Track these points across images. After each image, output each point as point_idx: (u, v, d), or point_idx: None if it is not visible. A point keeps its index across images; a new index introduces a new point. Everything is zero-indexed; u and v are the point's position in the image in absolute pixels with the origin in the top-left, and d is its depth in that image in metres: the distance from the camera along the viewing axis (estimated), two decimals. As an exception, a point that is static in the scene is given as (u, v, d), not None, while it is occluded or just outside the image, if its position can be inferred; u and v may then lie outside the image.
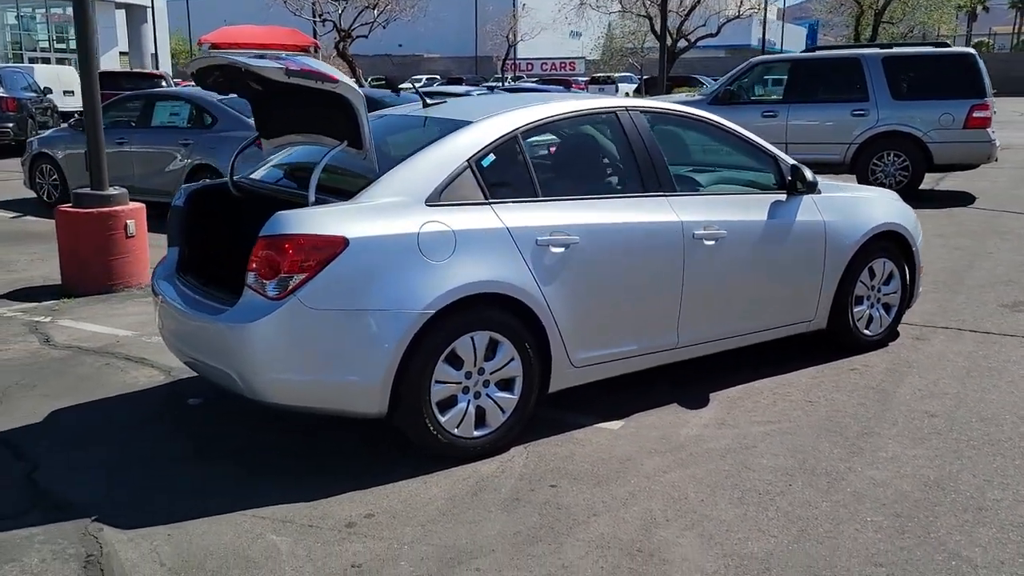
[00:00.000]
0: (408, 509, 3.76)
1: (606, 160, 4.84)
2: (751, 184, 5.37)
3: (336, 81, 3.93)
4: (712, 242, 4.83)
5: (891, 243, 5.76)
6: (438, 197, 4.12)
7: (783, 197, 5.26)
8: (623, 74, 45.47)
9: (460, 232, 4.09)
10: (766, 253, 5.10)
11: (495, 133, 4.36)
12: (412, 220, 4.02)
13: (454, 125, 4.40)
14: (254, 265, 3.86)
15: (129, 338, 6.15)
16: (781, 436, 4.48)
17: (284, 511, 3.74)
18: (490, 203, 4.24)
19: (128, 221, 7.54)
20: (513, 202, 4.30)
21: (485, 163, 4.29)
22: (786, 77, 13.24)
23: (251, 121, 10.46)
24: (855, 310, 5.67)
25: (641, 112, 4.90)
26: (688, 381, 5.22)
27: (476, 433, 4.21)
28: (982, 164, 12.61)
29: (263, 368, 3.84)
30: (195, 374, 5.16)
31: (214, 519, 3.67)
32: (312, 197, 4.01)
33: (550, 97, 5.00)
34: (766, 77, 14.14)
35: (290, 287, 3.79)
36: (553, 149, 4.54)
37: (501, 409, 4.27)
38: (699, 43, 34.73)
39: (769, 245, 5.10)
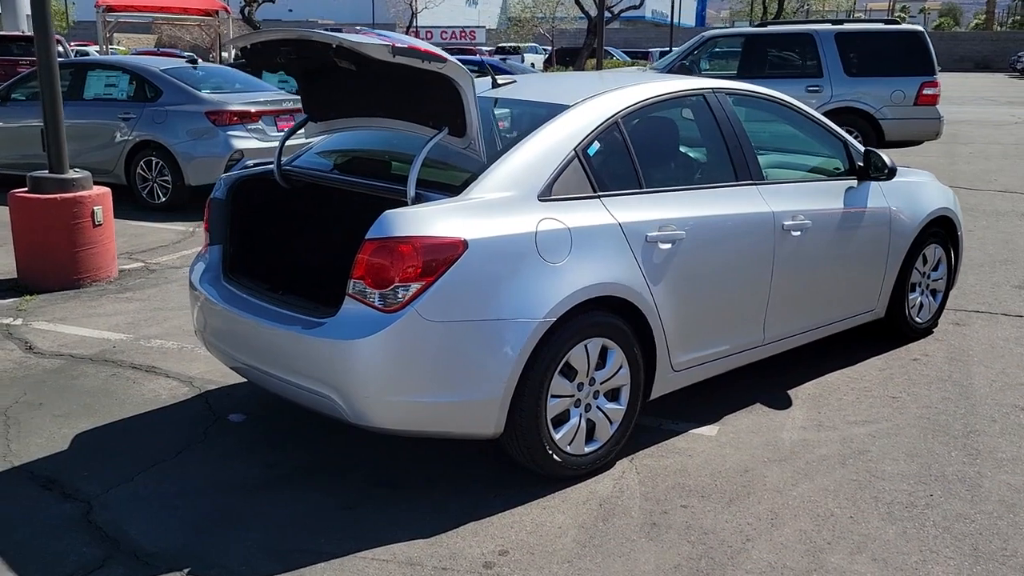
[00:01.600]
0: (541, 542, 3.37)
1: (700, 147, 4.50)
2: (814, 170, 5.13)
3: (444, 60, 3.45)
4: (798, 233, 4.57)
5: (941, 228, 5.64)
6: (549, 191, 3.70)
7: (855, 183, 5.04)
8: (530, 44, 45.03)
9: (576, 230, 3.69)
10: (842, 242, 4.88)
11: (596, 118, 3.96)
12: (528, 218, 3.60)
13: (550, 109, 3.98)
14: (360, 272, 3.37)
15: (125, 342, 5.49)
16: (888, 438, 4.27)
17: (406, 551, 3.30)
18: (599, 196, 3.85)
19: (95, 208, 6.78)
20: (620, 195, 3.93)
21: (591, 152, 3.89)
22: (740, 52, 13.14)
23: (201, 93, 9.78)
24: (909, 297, 5.52)
25: (726, 93, 4.57)
26: (757, 377, 4.96)
27: (587, 449, 3.85)
28: (927, 140, 12.83)
29: (374, 390, 3.36)
30: (223, 383, 4.62)
31: (332, 565, 3.21)
32: (412, 192, 3.53)
33: (634, 78, 4.61)
34: (719, 51, 14.03)
35: (406, 298, 3.32)
36: (641, 135, 4.16)
37: (610, 421, 3.92)
38: (621, 14, 34.60)
39: (845, 234, 4.88)
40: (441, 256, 3.35)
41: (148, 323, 5.87)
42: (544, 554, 3.30)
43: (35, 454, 4.02)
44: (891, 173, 4.99)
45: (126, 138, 9.80)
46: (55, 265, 6.66)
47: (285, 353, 3.57)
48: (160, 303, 6.34)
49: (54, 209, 6.62)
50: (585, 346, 3.72)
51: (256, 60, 4.00)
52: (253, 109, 9.79)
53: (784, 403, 4.70)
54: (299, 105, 10.55)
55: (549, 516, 3.55)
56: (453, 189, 3.61)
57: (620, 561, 3.26)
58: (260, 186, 4.37)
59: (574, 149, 3.81)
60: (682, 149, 4.51)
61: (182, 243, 8.31)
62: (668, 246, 3.97)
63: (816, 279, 4.76)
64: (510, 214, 3.56)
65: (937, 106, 12.31)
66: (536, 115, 3.98)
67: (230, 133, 9.56)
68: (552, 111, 3.96)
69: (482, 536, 3.40)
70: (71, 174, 6.80)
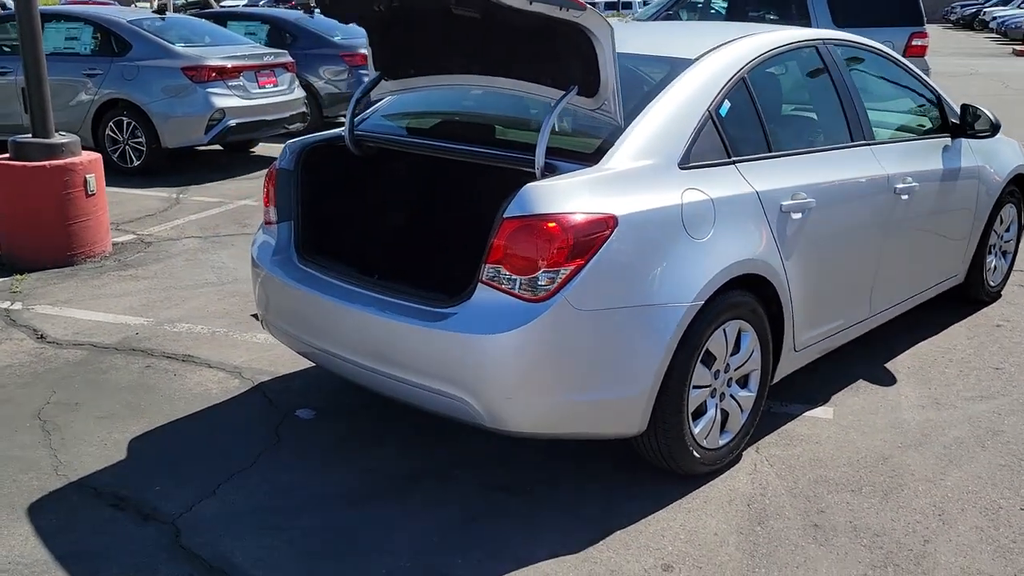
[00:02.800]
0: (704, 553, 3.02)
1: (818, 104, 4.12)
2: (904, 127, 4.80)
3: (583, 8, 2.98)
4: (907, 196, 4.25)
5: (1016, 187, 5.38)
6: (688, 158, 3.29)
7: (949, 141, 4.72)
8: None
9: (718, 202, 3.30)
10: (941, 205, 4.58)
11: (723, 74, 3.54)
12: (672, 189, 3.19)
13: (672, 65, 3.54)
14: (498, 255, 2.92)
15: (147, 328, 4.93)
16: (1016, 415, 4.02)
17: (557, 571, 2.91)
18: (734, 162, 3.46)
19: (87, 176, 6.13)
20: (752, 160, 3.54)
21: (723, 112, 3.48)
22: (726, 2, 12.77)
23: (176, 47, 9.03)
24: (986, 260, 5.27)
25: (836, 44, 4.19)
26: (848, 352, 4.66)
27: (720, 442, 3.50)
28: (913, 92, 12.67)
29: (517, 390, 2.94)
30: (275, 373, 4.15)
31: (486, 594, 2.80)
32: (542, 162, 3.08)
33: (741, 26, 4.18)
34: (704, 1, 13.62)
35: (555, 284, 2.89)
36: (765, 92, 3.75)
37: (741, 410, 3.57)
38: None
39: (944, 196, 4.58)
40: (592, 235, 2.92)
41: (165, 305, 5.31)
42: (712, 567, 2.95)
43: (91, 466, 3.51)
44: (995, 129, 4.68)
45: (92, 96, 9.02)
46: (46, 240, 6.01)
47: (402, 349, 3.11)
48: (171, 281, 5.76)
49: (43, 177, 5.95)
50: (724, 330, 3.34)
51: (336, 6, 3.47)
52: (232, 64, 9.09)
53: (888, 379, 4.40)
54: (281, 59, 10.07)
55: (699, 521, 3.19)
56: (585, 157, 3.17)
57: (799, 572, 2.92)
58: (329, 154, 3.85)
59: (707, 109, 3.40)
60: (800, 107, 4.13)
61: (169, 211, 7.66)
62: (799, 216, 3.60)
63: (917, 245, 4.46)
64: (654, 185, 3.15)
65: (926, 57, 12.15)
66: (655, 71, 3.54)
67: (210, 90, 8.86)
68: (675, 67, 3.52)
69: (636, 549, 3.03)
70: (58, 138, 6.13)
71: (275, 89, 9.54)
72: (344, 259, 3.68)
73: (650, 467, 3.48)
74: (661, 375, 3.12)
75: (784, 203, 3.53)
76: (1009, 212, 5.38)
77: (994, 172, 5.03)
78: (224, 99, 8.91)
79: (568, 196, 2.95)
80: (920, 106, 4.76)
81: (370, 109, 4.07)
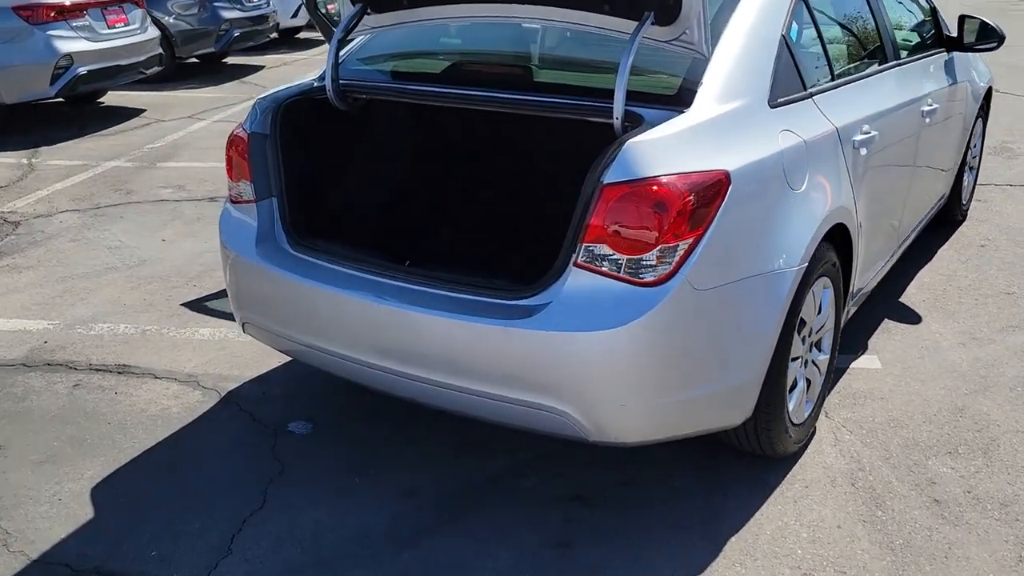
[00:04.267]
0: (841, 555, 2.63)
1: (858, 23, 3.67)
2: (914, 45, 4.45)
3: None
4: (929, 119, 3.94)
5: (985, 101, 5.22)
6: (775, 94, 2.80)
7: (946, 56, 4.44)
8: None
9: (810, 143, 2.84)
10: (945, 124, 4.31)
11: (784, -10, 3.03)
12: (770, 133, 2.70)
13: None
14: (599, 232, 2.35)
15: (55, 333, 4.04)
16: (1058, 345, 3.84)
17: (695, 602, 2.45)
18: (810, 95, 2.99)
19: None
20: (822, 92, 3.08)
21: (793, 35, 2.98)
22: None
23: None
24: (964, 176, 5.11)
25: (860, -45, 3.76)
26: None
27: (804, 415, 3.10)
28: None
29: (635, 395, 2.40)
30: (239, 376, 3.45)
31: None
32: (622, 109, 2.50)
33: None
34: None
35: (674, 262, 2.34)
36: (821, 10, 3.27)
37: (819, 374, 3.18)
38: None
39: (947, 114, 4.32)
40: (709, 198, 2.39)
41: (67, 301, 4.39)
42: (856, 569, 2.56)
43: (51, 533, 2.73)
44: (1001, 41, 4.40)
45: None
46: None
47: (473, 354, 2.49)
48: (63, 270, 4.81)
49: None
50: (812, 291, 2.91)
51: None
52: (71, 1, 7.80)
53: (912, 316, 4.15)
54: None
55: (813, 513, 2.80)
56: (667, 101, 2.62)
57: (952, 565, 2.58)
58: (310, 111, 3.11)
59: (781, 34, 2.89)
60: (848, 26, 3.67)
61: (26, 182, 6.51)
62: (864, 151, 3.20)
63: (928, 168, 4.18)
64: (751, 130, 2.64)
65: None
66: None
67: (51, 33, 7.58)
68: (731, -16, 2.97)
69: (763, 559, 2.60)
70: None
71: (127, 28, 8.30)
72: (351, 242, 2.99)
73: (722, 454, 3.05)
74: (771, 352, 2.66)
75: (855, 138, 3.11)
76: (978, 127, 5.21)
77: (978, 86, 4.82)
78: (70, 43, 7.66)
79: (677, 152, 2.40)
80: (921, 21, 4.43)
81: (351, 52, 3.33)
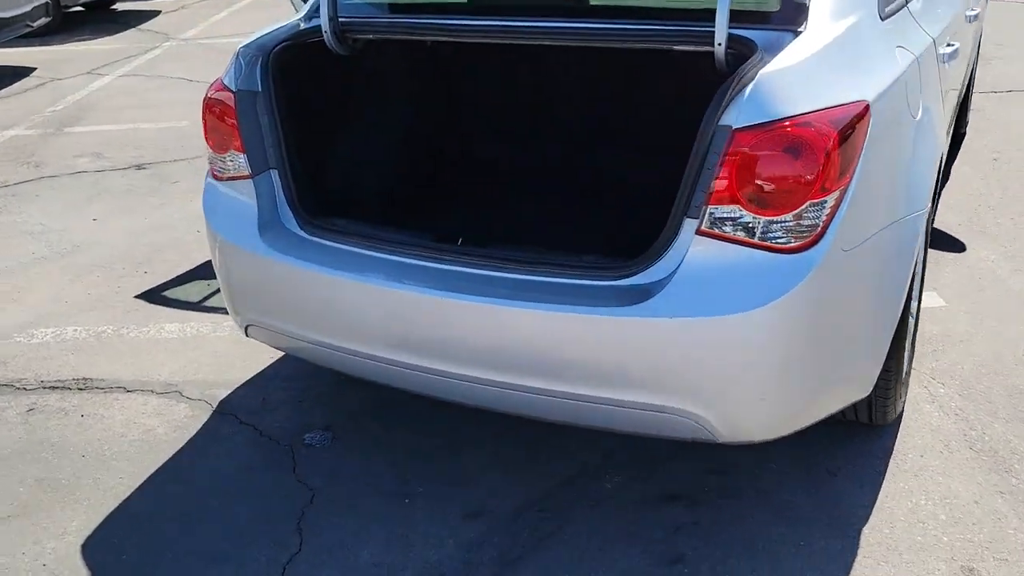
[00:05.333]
0: (992, 537, 2.29)
1: None
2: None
3: None
4: (970, 24, 3.56)
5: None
6: (882, 2, 2.34)
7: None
8: None
9: (920, 60, 2.41)
10: (975, 28, 3.95)
11: None
12: (888, 51, 2.27)
13: None
14: (733, 189, 1.88)
15: (-9, 344, 3.39)
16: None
17: (855, 618, 2.07)
18: (905, 2, 2.55)
19: None
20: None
21: (881, -66, 2.52)
22: None
23: None
24: (970, 91, 4.80)
25: None
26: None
27: (904, 371, 2.73)
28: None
29: (778, 385, 1.97)
30: (226, 380, 2.93)
31: None
32: (725, 32, 2.02)
33: None
34: None
35: (824, 219, 1.90)
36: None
37: (913, 321, 2.81)
38: None
39: (979, 19, 3.95)
40: (852, 136, 1.94)
41: (-5, 302, 3.72)
42: (1019, 554, 2.22)
43: (54, 617, 2.18)
44: None
45: None
46: None
47: (570, 353, 2.01)
48: (-20, 263, 4.10)
49: None
50: (917, 232, 2.52)
51: None
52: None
53: (955, 244, 3.84)
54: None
55: (944, 488, 2.45)
56: (769, 18, 2.14)
57: (1121, 536, 2.26)
58: (304, 60, 2.53)
59: (873, -69, 2.42)
60: None
61: (-88, 159, 5.64)
62: (947, 67, 2.80)
63: (962, 79, 3.82)
64: (872, 48, 2.21)
65: None
66: None
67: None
68: None
69: (910, 553, 2.25)
70: None
71: (6, -24, 7.31)
72: (377, 219, 2.46)
73: (809, 427, 2.66)
74: (901, 311, 2.26)
75: (942, 51, 2.71)
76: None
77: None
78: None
79: (812, 82, 1.94)
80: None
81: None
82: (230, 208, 2.44)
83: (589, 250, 2.15)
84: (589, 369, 2.01)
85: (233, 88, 2.39)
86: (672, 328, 1.90)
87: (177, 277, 3.86)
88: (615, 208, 2.84)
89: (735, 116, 1.86)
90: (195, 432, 2.83)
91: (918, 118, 2.30)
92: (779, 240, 1.88)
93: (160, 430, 2.84)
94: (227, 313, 3.45)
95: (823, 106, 1.89)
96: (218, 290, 3.68)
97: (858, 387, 2.24)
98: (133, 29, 9.54)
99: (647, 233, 2.11)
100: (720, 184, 1.87)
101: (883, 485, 2.46)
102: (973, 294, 3.41)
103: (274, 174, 2.41)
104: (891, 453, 2.58)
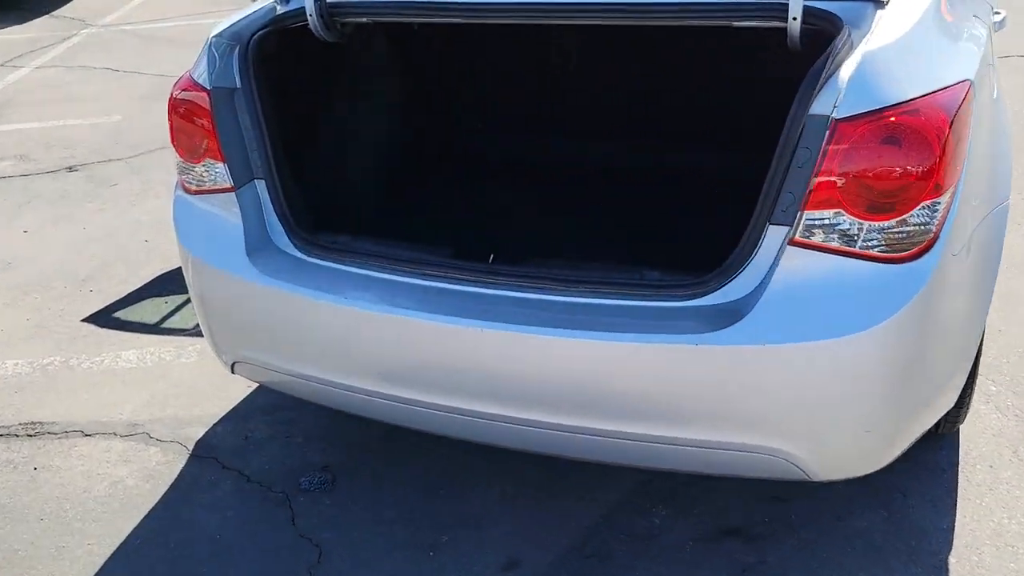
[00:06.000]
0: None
1: None
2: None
3: None
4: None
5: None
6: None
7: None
8: None
9: (990, 31, 2.16)
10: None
11: None
12: (968, 21, 2.01)
13: None
14: (833, 190, 1.59)
15: (-82, 385, 2.95)
16: None
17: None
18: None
19: None
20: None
21: None
22: None
23: None
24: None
25: None
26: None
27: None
28: None
29: (885, 415, 1.70)
30: (199, 416, 2.59)
31: None
32: (800, 5, 1.73)
33: None
34: None
35: (938, 221, 1.63)
36: None
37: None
38: None
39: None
40: (959, 121, 1.66)
41: (-81, 333, 3.26)
42: (1124, 579, 2.00)
43: None
44: None
45: None
46: None
47: (638, 389, 1.71)
48: (-103, 288, 3.62)
49: None
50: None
51: None
52: None
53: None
54: None
55: None
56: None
57: None
58: (287, 49, 2.16)
59: None
60: None
61: None
62: (994, 36, 2.55)
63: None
64: (957, 19, 1.94)
65: None
66: None
67: None
68: None
69: (1005, 582, 2.01)
70: None
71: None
72: (387, 234, 2.11)
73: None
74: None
75: (996, 19, 2.46)
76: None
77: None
78: None
79: (915, 62, 1.67)
80: None
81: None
82: (209, 227, 2.07)
83: (639, 263, 1.84)
84: (661, 407, 1.71)
85: (207, 85, 2.02)
86: (766, 356, 1.61)
87: (128, 295, 3.44)
88: (657, 213, 2.53)
89: (835, 104, 1.57)
90: (171, 481, 2.46)
91: (995, 95, 2.05)
92: (886, 249, 1.60)
93: (130, 481, 2.47)
94: (191, 335, 3.08)
95: (930, 89, 1.61)
96: (178, 308, 3.29)
97: (951, 397, 1.99)
98: (46, 16, 8.86)
99: (704, 241, 1.82)
100: (819, 185, 1.58)
101: (958, 503, 2.23)
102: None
103: (260, 185, 2.05)
104: (958, 465, 2.35)
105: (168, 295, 3.40)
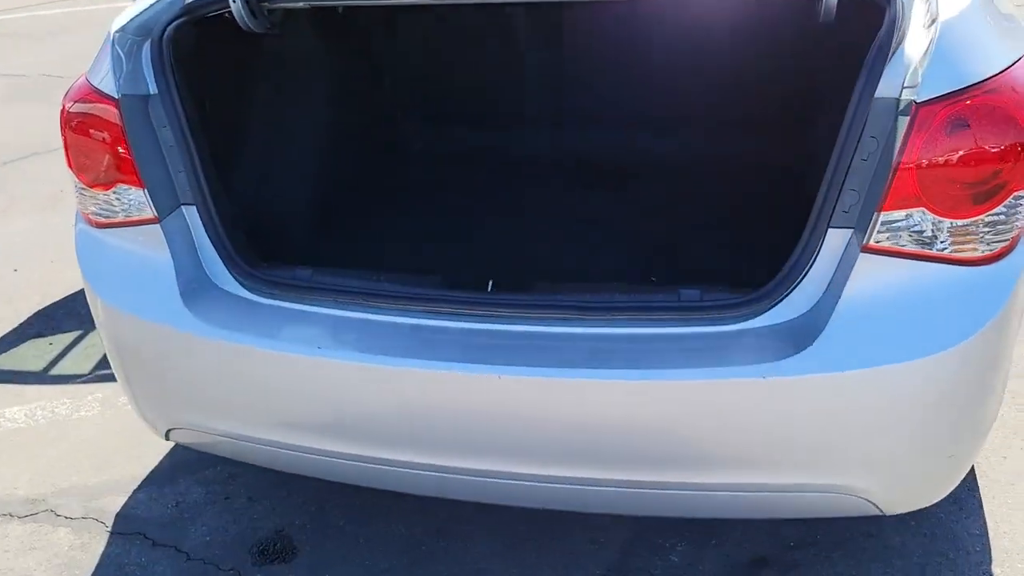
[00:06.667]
0: None
1: None
2: None
3: None
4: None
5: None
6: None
7: None
8: None
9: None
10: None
11: None
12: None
13: None
14: (914, 187, 1.36)
15: None
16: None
17: None
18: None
19: None
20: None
21: None
22: None
23: None
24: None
25: None
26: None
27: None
28: None
29: (968, 437, 1.50)
30: (128, 481, 2.21)
31: None
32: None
33: None
34: None
35: (1022, 216, 1.42)
36: None
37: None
38: None
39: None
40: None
41: None
42: None
43: None
44: None
45: None
46: None
47: (689, 434, 1.44)
48: None
49: None
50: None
51: None
52: None
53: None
54: None
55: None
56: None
57: None
58: (207, 44, 1.77)
59: None
60: None
61: None
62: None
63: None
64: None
65: None
66: None
67: None
68: None
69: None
70: None
71: None
72: (354, 261, 1.76)
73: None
74: None
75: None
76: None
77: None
78: None
79: (989, 31, 1.45)
80: None
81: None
82: (129, 267, 1.68)
83: (666, 279, 1.57)
84: (719, 451, 1.45)
85: (113, 94, 1.61)
86: (848, 384, 1.37)
87: (4, 337, 2.94)
88: (666, 214, 2.23)
89: (904, 84, 1.33)
90: (92, 570, 2.04)
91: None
92: (967, 249, 1.38)
93: (38, 574, 2.03)
94: (88, 381, 2.64)
95: (1010, 62, 1.39)
96: (67, 349, 2.83)
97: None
98: None
99: (730, 244, 1.57)
100: (897, 180, 1.34)
101: (984, 504, 2.07)
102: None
103: (190, 212, 1.67)
104: (984, 495, 2.18)
105: (52, 334, 2.93)
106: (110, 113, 1.62)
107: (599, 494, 1.54)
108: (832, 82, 1.40)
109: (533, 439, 1.49)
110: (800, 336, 1.40)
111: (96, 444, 2.42)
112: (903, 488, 1.50)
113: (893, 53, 1.36)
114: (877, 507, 1.52)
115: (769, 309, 1.44)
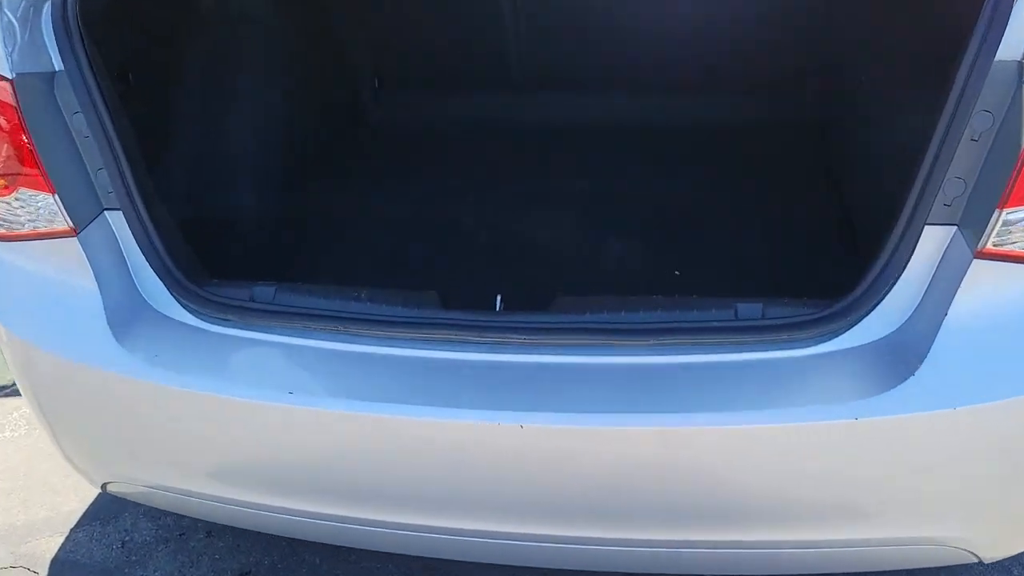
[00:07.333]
0: None
1: None
2: None
3: None
4: None
5: None
6: None
7: None
8: None
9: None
10: None
11: None
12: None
13: None
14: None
15: None
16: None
17: None
18: None
19: None
20: None
21: None
22: None
23: None
24: None
25: None
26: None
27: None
28: None
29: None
30: (63, 524, 1.90)
31: None
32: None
33: None
34: None
35: None
36: None
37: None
38: None
39: None
40: None
41: None
42: None
43: None
44: None
45: None
46: None
47: (759, 489, 1.17)
48: None
49: None
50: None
51: None
52: None
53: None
54: None
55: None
56: None
57: None
58: (124, 8, 1.41)
59: None
60: None
61: None
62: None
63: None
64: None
65: None
66: None
67: None
68: None
69: None
70: None
71: None
72: (318, 269, 1.44)
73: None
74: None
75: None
76: None
77: None
78: None
79: None
80: None
81: None
82: (40, 292, 1.33)
83: (711, 289, 1.28)
84: (796, 504, 1.18)
85: (7, 73, 1.25)
86: (962, 422, 1.10)
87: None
88: (685, 202, 1.90)
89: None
90: (24, 634, 1.73)
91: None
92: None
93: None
94: (10, 394, 2.30)
95: None
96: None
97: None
98: None
99: (768, 240, 1.28)
100: (1024, 167, 1.06)
101: None
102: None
103: (116, 218, 1.32)
104: None
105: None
106: (5, 93, 1.26)
107: (635, 556, 1.26)
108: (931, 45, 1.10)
109: (563, 497, 1.20)
110: (898, 361, 1.12)
111: (23, 472, 2.08)
112: (1004, 534, 1.25)
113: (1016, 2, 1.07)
114: (975, 555, 1.26)
115: (848, 329, 1.16)
